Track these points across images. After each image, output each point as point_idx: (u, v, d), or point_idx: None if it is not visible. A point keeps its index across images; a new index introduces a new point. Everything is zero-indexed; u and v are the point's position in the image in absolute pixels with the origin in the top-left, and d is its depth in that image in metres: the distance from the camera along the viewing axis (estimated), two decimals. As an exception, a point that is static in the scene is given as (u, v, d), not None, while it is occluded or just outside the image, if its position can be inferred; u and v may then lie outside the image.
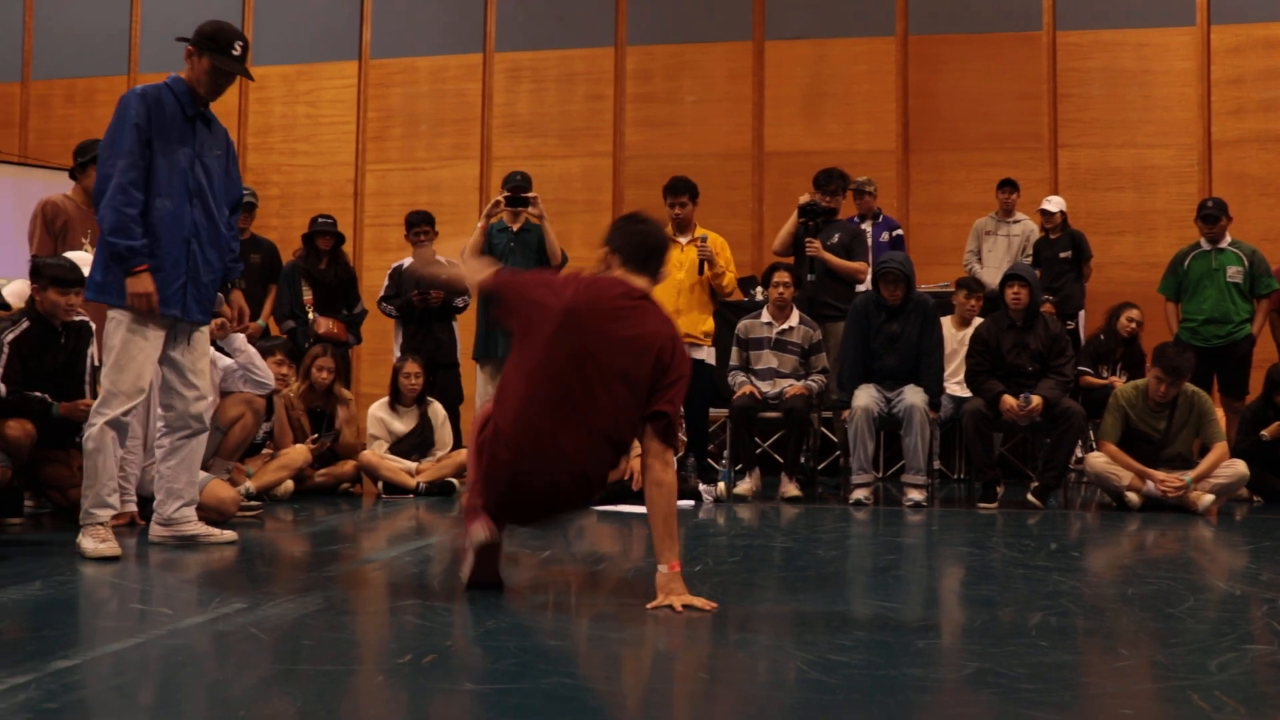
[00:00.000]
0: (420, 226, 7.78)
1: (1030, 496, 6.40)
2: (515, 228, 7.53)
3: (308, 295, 7.75)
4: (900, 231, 8.55)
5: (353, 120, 11.26)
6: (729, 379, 7.18)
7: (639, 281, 3.53)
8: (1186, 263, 7.80)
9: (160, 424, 4.63)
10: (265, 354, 6.24)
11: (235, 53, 4.47)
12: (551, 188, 8.99)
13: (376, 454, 6.88)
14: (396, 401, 7.09)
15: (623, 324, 3.41)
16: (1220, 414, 6.82)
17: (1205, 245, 7.76)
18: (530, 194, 7.38)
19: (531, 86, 11.05)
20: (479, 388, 7.55)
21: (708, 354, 7.20)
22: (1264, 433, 6.84)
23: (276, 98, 11.40)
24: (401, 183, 10.93)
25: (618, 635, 3.04)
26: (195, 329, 4.53)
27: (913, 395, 6.54)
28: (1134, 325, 7.76)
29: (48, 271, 5.11)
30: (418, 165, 11.09)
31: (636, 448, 6.44)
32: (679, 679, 2.66)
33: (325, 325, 7.63)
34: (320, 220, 7.94)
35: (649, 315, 3.49)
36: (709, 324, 7.21)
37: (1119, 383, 7.33)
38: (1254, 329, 7.67)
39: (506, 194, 7.42)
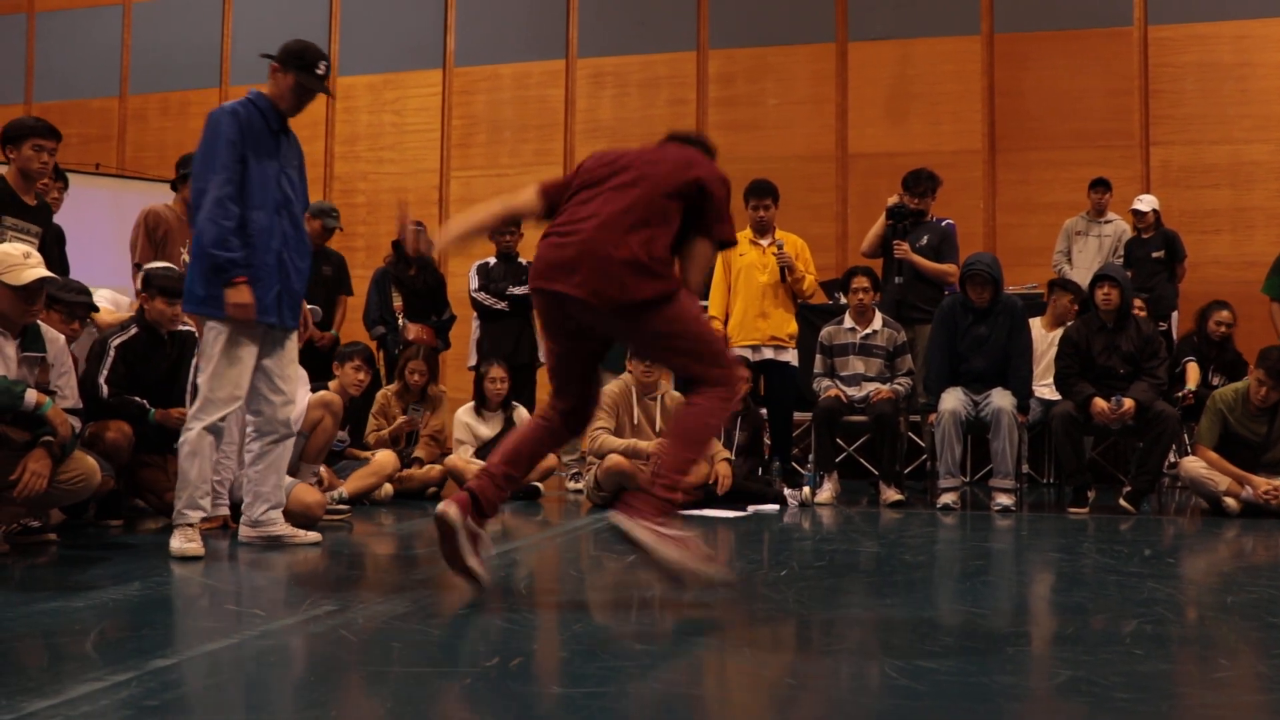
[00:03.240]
0: (506, 227, 7.84)
1: (1122, 502, 6.28)
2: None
3: (397, 301, 7.87)
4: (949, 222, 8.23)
5: (438, 128, 11.42)
6: (814, 385, 7.14)
7: None
8: None
9: (250, 429, 4.74)
10: (343, 359, 6.35)
11: (319, 71, 4.61)
12: (634, 192, 8.99)
13: (463, 458, 6.95)
14: (482, 406, 7.16)
15: None
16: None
17: None
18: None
19: (614, 92, 11.10)
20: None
21: (792, 356, 7.17)
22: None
23: (362, 107, 11.59)
24: (486, 189, 11.04)
25: (703, 640, 3.03)
26: (286, 336, 4.64)
27: (1000, 398, 6.44)
28: (1224, 328, 7.50)
29: (156, 281, 5.28)
30: (502, 171, 11.19)
31: (719, 451, 6.47)
32: (764, 685, 2.65)
33: (415, 331, 7.74)
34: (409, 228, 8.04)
35: None
36: (793, 326, 7.18)
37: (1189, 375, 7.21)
38: None
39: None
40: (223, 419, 4.46)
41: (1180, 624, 3.32)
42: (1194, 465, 6.38)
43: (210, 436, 4.44)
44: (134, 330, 5.32)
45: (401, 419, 7.00)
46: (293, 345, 4.70)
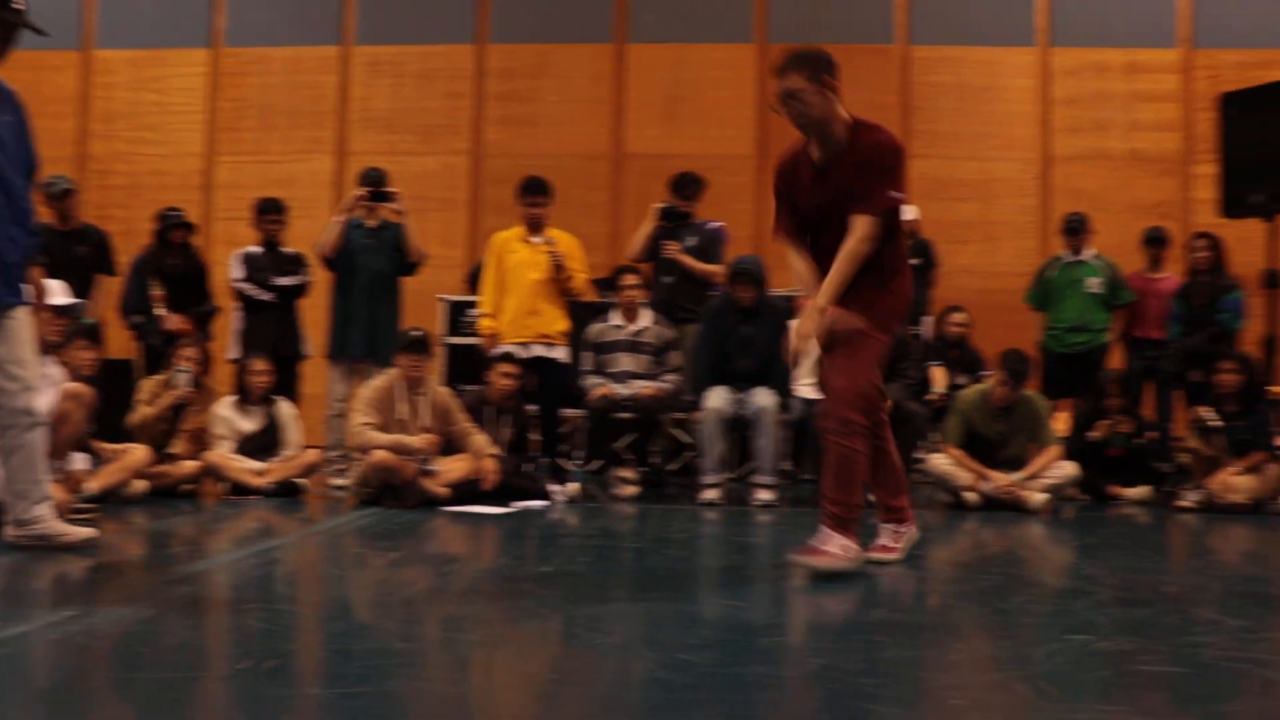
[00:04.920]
0: (271, 214, 7.60)
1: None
2: (372, 224, 7.44)
3: (157, 290, 7.50)
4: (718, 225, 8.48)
5: (203, 110, 10.96)
6: (582, 383, 7.20)
7: None
8: (1050, 273, 8.14)
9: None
10: (68, 339, 6.03)
11: (15, 4, 4.06)
12: (408, 185, 8.85)
13: (222, 454, 6.70)
14: (243, 400, 6.91)
15: None
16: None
17: (1067, 257, 8.10)
18: (392, 190, 7.32)
19: (390, 81, 10.91)
20: (330, 386, 7.42)
21: (562, 353, 7.22)
22: (1091, 434, 7.15)
23: (122, 83, 11.00)
24: (255, 175, 10.64)
25: (466, 638, 3.03)
26: (7, 316, 4.19)
27: (764, 397, 6.66)
28: (958, 328, 8.04)
29: None
30: (271, 158, 10.83)
31: (485, 447, 6.45)
32: (527, 680, 2.66)
33: (174, 322, 7.40)
34: (170, 213, 7.68)
35: None
36: (564, 324, 7.23)
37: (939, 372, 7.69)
38: (1112, 337, 8.05)
39: (366, 190, 7.33)
40: None
41: (921, 611, 3.51)
42: (941, 462, 6.75)
43: None
44: None
45: (173, 392, 6.68)
46: (21, 325, 4.23)
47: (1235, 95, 7.66)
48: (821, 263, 4.12)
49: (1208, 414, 6.87)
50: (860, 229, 4.00)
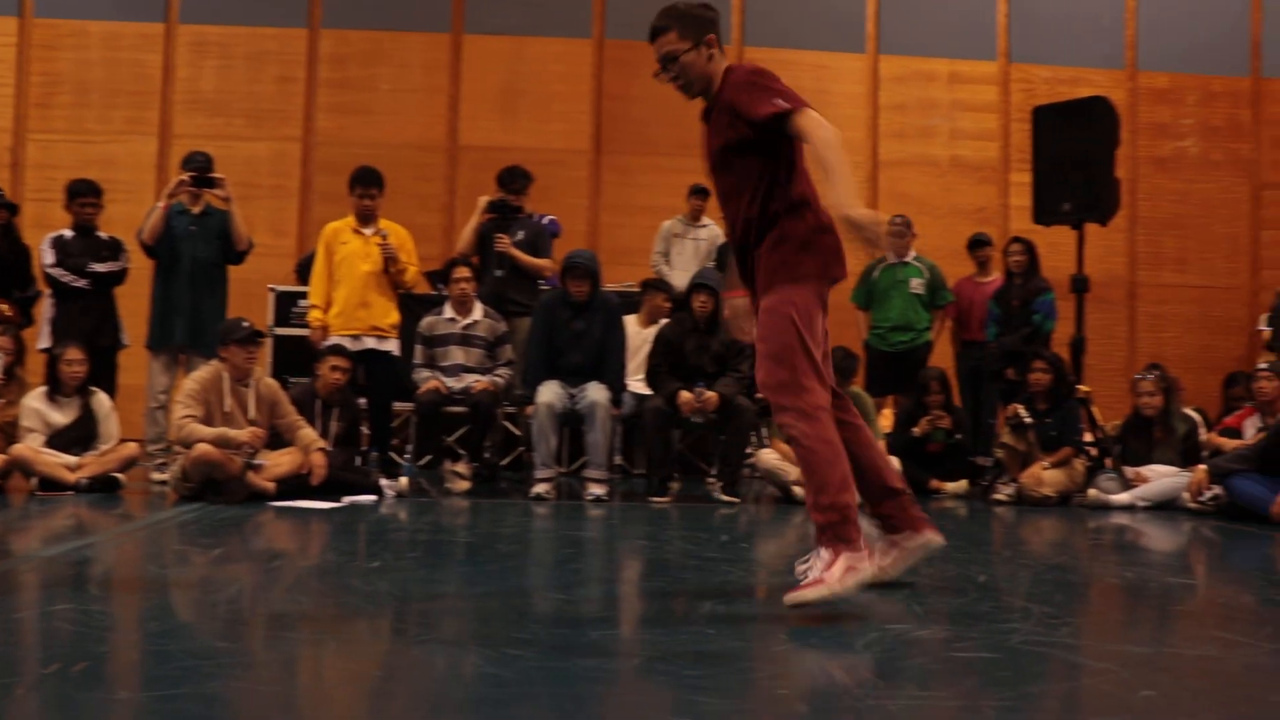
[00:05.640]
0: (86, 197, 7.27)
1: (723, 495, 6.65)
2: (196, 210, 7.20)
3: None
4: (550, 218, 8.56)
5: (11, 83, 10.40)
6: (414, 376, 7.11)
7: None
8: (874, 274, 8.38)
9: None
10: None
11: None
12: (236, 170, 8.60)
13: (32, 447, 6.38)
14: (55, 391, 6.60)
15: None
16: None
17: (891, 259, 8.35)
18: (217, 175, 7.10)
19: (218, 63, 10.56)
20: (151, 377, 7.15)
21: (394, 346, 7.12)
22: (914, 429, 7.41)
23: (-81, 53, 10.38)
24: (69, 155, 10.17)
25: (292, 635, 2.95)
26: None
27: (596, 392, 6.69)
28: None
29: None
30: (88, 137, 10.37)
31: (314, 441, 6.32)
32: (354, 677, 2.62)
33: None
34: None
35: None
36: (395, 316, 7.14)
37: None
38: (933, 336, 8.35)
39: (191, 174, 7.08)
40: None
41: (750, 604, 3.58)
42: (769, 457, 6.89)
43: None
44: None
45: None
46: None
47: (1047, 109, 8.02)
48: (732, 225, 3.63)
49: (1021, 411, 7.20)
50: (796, 130, 3.42)
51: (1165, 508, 6.75)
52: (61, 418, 6.56)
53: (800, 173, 3.57)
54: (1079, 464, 7.06)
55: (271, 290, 8.33)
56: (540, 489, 6.55)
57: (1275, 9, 11.17)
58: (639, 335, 7.77)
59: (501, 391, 7.13)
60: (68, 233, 7.24)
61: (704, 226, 9.18)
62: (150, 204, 7.35)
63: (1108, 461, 7.14)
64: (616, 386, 6.87)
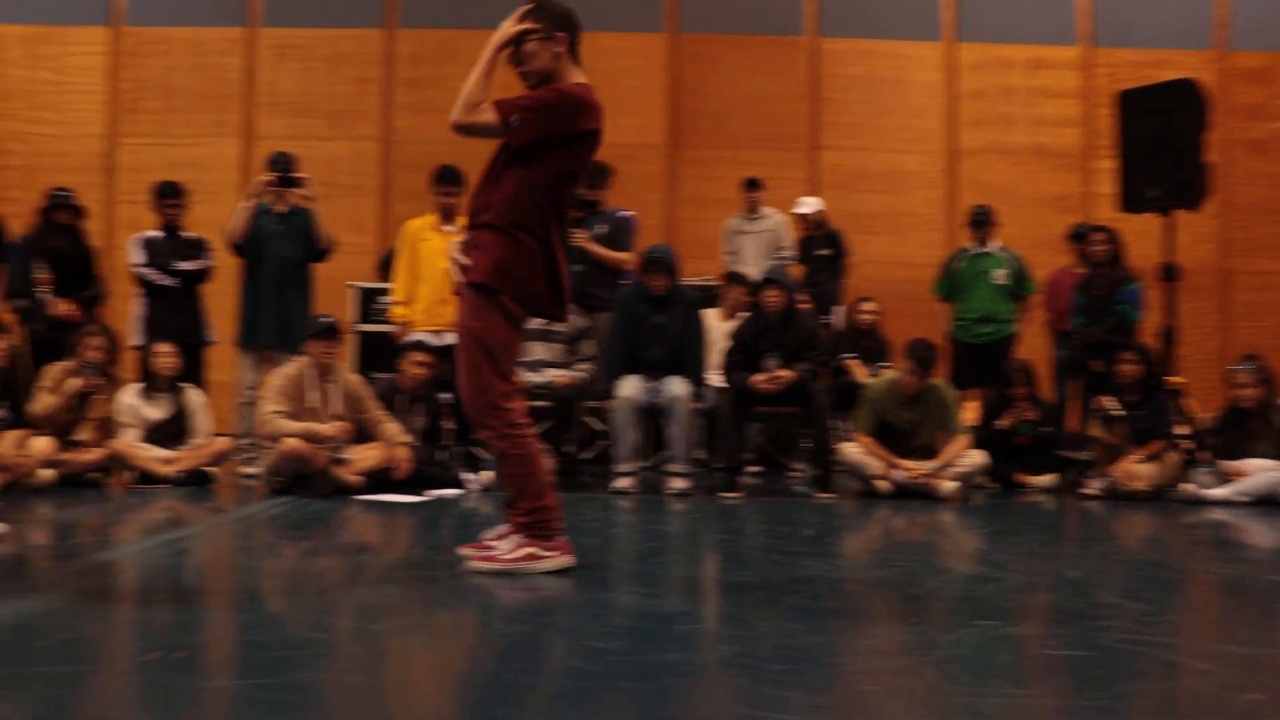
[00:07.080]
0: (170, 198, 7.42)
1: (818, 495, 6.59)
2: (281, 210, 7.31)
3: (43, 274, 7.27)
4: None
5: (103, 90, 10.66)
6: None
7: None
8: (957, 265, 8.27)
9: None
10: None
11: None
12: (317, 170, 8.71)
13: (129, 442, 6.54)
14: (150, 387, 6.75)
15: None
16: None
17: (974, 249, 8.23)
18: (301, 175, 7.21)
19: (298, 65, 10.72)
20: (240, 374, 7.29)
21: (477, 343, 7.15)
22: (998, 423, 7.29)
23: (15, 60, 10.67)
24: (158, 158, 10.37)
25: (379, 627, 2.99)
26: None
27: (677, 386, 6.68)
28: (869, 316, 8.21)
29: None
30: (175, 141, 10.58)
31: (398, 436, 6.39)
32: (441, 670, 2.64)
33: (59, 306, 7.19)
34: (57, 193, 7.45)
35: None
36: (478, 313, 7.17)
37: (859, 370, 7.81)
38: (1018, 327, 8.22)
39: (275, 175, 7.20)
40: None
41: (834, 598, 3.55)
42: (852, 450, 6.83)
43: None
44: None
45: (76, 381, 6.50)
46: None
47: (1132, 93, 7.84)
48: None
49: (1110, 403, 7.05)
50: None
51: (1265, 503, 6.56)
52: (156, 413, 6.71)
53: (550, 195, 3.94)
54: (1172, 458, 6.90)
55: (353, 287, 8.43)
56: (622, 483, 6.56)
57: (1373, -15, 10.82)
58: (720, 329, 7.75)
59: (583, 385, 7.16)
60: (155, 233, 7.40)
61: (763, 218, 9.06)
62: (235, 204, 7.48)
63: (1202, 455, 6.96)
64: (697, 380, 6.85)
